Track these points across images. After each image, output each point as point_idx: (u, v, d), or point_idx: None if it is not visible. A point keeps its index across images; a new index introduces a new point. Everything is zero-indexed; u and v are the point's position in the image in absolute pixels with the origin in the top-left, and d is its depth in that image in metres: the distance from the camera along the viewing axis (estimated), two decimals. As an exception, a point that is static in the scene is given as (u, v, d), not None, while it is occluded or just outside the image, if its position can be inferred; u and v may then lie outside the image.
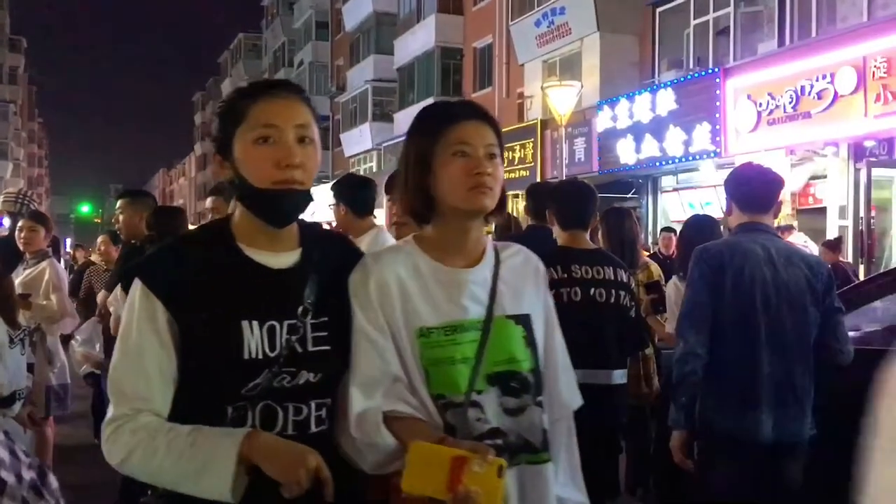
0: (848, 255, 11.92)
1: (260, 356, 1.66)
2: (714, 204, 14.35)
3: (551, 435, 1.85)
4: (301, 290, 1.73)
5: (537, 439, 1.81)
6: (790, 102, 12.28)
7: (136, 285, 1.69)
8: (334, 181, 4.44)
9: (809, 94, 11.93)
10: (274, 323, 1.69)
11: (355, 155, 33.84)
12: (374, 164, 31.71)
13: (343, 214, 4.05)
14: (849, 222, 12.32)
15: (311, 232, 1.86)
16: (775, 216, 3.58)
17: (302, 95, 1.76)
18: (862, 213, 12.14)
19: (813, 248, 10.04)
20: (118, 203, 5.11)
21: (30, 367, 3.90)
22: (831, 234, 11.92)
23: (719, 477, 3.29)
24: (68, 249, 20.11)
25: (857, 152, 12.24)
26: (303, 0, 42.15)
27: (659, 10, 17.29)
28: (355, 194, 4.07)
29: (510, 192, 22.31)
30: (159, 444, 1.61)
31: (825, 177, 12.87)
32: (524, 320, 1.85)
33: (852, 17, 12.88)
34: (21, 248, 5.83)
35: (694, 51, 16.38)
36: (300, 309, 1.72)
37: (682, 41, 16.84)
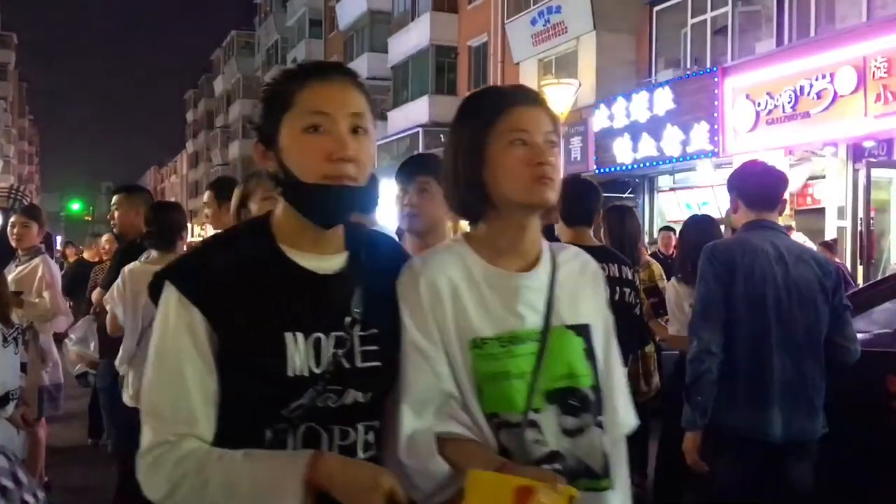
0: (846, 256, 11.89)
1: (305, 373, 1.48)
2: (711, 204, 14.31)
3: (611, 458, 1.67)
4: (348, 299, 1.56)
5: (598, 464, 1.63)
6: (789, 102, 12.23)
7: (171, 292, 1.50)
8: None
9: (809, 93, 11.89)
10: (320, 335, 1.51)
11: (349, 153, 33.72)
12: (367, 162, 31.58)
13: (345, 212, 3.94)
14: (847, 223, 12.28)
15: (357, 233, 1.68)
16: (780, 214, 3.57)
17: (356, 80, 1.58)
18: (861, 214, 12.09)
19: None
20: (114, 199, 5.02)
21: (22, 367, 3.79)
22: (830, 235, 11.88)
23: (728, 476, 3.26)
24: (58, 247, 19.96)
25: (856, 153, 12.21)
26: (296, -3, 42.06)
27: (656, 8, 17.27)
28: (358, 191, 3.96)
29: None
30: (210, 476, 1.41)
31: (823, 177, 12.85)
32: (584, 331, 1.68)
33: (851, 17, 12.85)
34: (13, 244, 5.73)
35: (691, 50, 16.35)
36: (347, 319, 1.54)
37: (679, 40, 16.81)
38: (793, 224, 11.81)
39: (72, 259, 13.78)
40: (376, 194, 4.01)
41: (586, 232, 3.81)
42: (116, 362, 4.18)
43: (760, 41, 14.46)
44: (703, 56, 15.86)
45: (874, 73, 10.97)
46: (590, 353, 1.67)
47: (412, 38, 27.64)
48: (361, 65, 32.35)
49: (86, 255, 10.52)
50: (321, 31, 40.04)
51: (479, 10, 25.04)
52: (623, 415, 1.75)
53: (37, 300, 5.45)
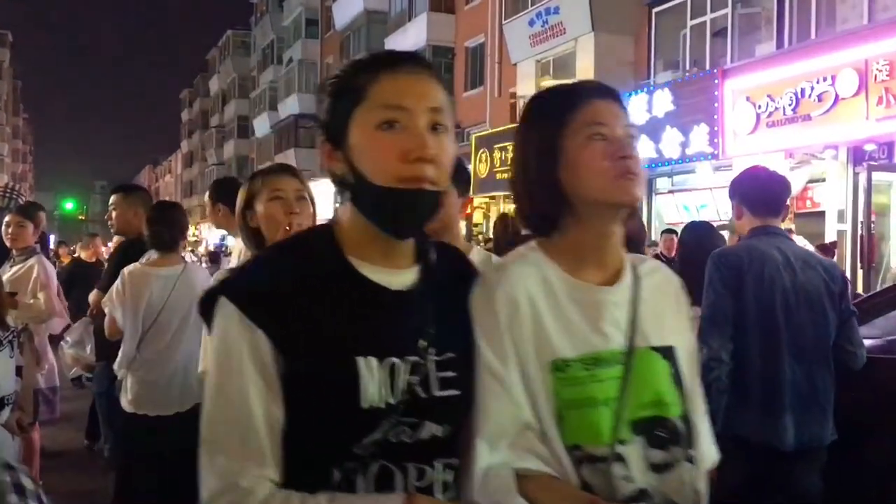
0: (846, 260, 11.83)
1: (381, 403, 1.30)
2: (709, 206, 14.28)
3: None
4: (422, 319, 1.38)
5: None
6: (790, 105, 12.17)
7: (229, 311, 1.31)
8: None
9: (810, 96, 11.83)
10: (394, 360, 1.33)
11: (344, 154, 33.68)
12: (363, 162, 31.53)
13: (349, 214, 3.84)
14: (847, 227, 12.23)
15: (426, 243, 1.48)
16: (783, 220, 3.55)
17: (434, 72, 1.41)
18: (861, 218, 12.01)
19: (811, 253, 9.90)
20: (112, 199, 4.94)
21: (18, 371, 3.70)
22: (830, 238, 11.81)
23: (737, 483, 3.18)
24: (51, 246, 19.87)
25: (857, 156, 12.15)
26: (292, -3, 41.96)
27: (655, 10, 17.19)
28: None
29: (502, 194, 21.86)
30: None
31: (823, 180, 12.78)
32: (669, 354, 1.52)
33: (853, 20, 12.79)
34: (8, 244, 5.64)
35: (690, 52, 16.28)
36: (422, 343, 1.37)
37: (678, 42, 16.73)
38: (792, 227, 11.73)
39: (65, 260, 13.63)
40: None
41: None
42: (115, 366, 4.09)
43: (760, 43, 14.40)
44: (703, 58, 15.79)
45: (876, 75, 10.91)
46: (677, 379, 1.51)
47: (409, 39, 27.58)
48: (358, 65, 32.31)
49: (83, 255, 10.44)
50: (317, 30, 39.94)
51: (477, 10, 24.99)
52: (707, 448, 1.57)
53: (31, 301, 5.36)
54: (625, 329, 1.49)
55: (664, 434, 1.46)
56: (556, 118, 1.51)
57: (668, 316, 1.57)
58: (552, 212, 1.52)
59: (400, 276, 1.41)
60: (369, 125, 1.34)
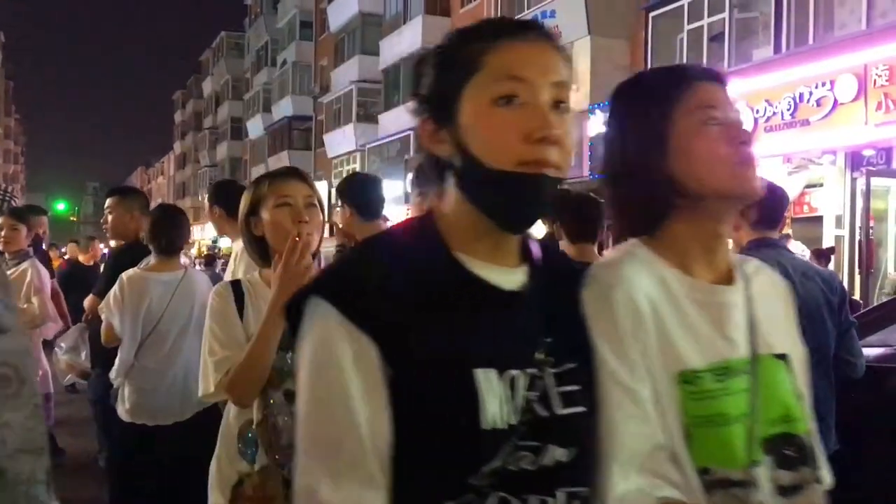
0: (844, 265, 11.79)
1: (503, 425, 1.11)
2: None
3: None
4: (537, 325, 1.19)
5: None
6: (788, 109, 12.15)
7: (328, 314, 1.11)
8: (340, 180, 4.18)
9: (808, 101, 11.82)
10: (515, 373, 1.14)
11: (339, 156, 33.60)
12: (357, 165, 31.44)
13: (349, 217, 3.76)
14: (845, 232, 12.19)
15: (529, 238, 1.29)
16: (780, 231, 3.59)
17: (557, 45, 1.21)
18: (859, 223, 11.97)
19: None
20: (107, 202, 4.81)
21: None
22: (828, 244, 11.77)
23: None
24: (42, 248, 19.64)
25: (855, 161, 12.12)
26: (287, -1, 41.89)
27: (652, 14, 17.15)
28: (363, 195, 3.78)
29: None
30: None
31: (821, 185, 12.76)
32: (788, 362, 1.36)
33: (851, 25, 12.76)
34: (0, 247, 5.55)
35: (687, 56, 16.24)
36: (539, 355, 1.17)
37: (675, 46, 16.70)
38: (789, 233, 11.69)
39: (56, 262, 13.44)
40: (382, 198, 3.85)
41: (591, 249, 3.67)
42: (112, 374, 3.99)
43: (758, 48, 14.38)
44: (700, 62, 15.71)
45: (875, 80, 10.90)
46: (797, 390, 1.35)
47: (404, 41, 27.52)
48: (352, 67, 32.27)
49: (80, 257, 10.33)
50: (311, 32, 39.86)
51: (472, 13, 24.92)
52: (824, 469, 1.39)
53: (25, 306, 5.27)
54: (745, 334, 1.33)
55: (793, 453, 1.31)
56: (660, 102, 1.34)
57: (781, 320, 1.43)
58: (659, 206, 1.36)
59: (511, 276, 1.22)
60: (484, 99, 1.16)
